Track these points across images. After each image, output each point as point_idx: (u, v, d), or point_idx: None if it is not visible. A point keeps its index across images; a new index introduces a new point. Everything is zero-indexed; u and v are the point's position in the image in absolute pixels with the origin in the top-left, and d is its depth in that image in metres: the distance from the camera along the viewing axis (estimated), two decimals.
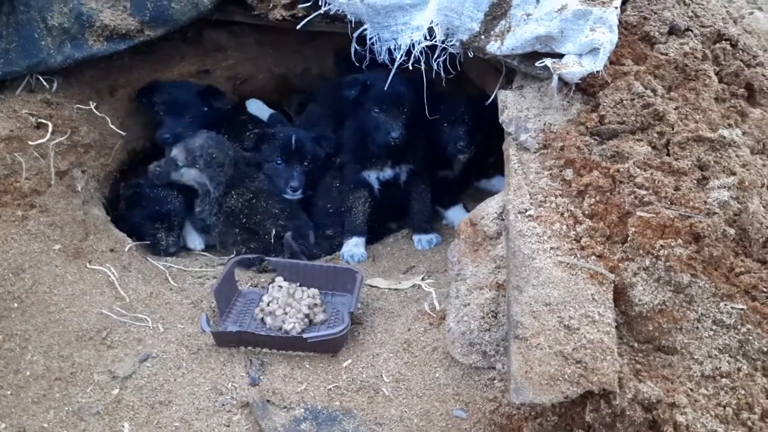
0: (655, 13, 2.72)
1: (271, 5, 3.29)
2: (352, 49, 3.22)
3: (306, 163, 3.71)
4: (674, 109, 2.53)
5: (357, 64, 3.29)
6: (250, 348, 2.65)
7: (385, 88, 3.27)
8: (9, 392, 2.36)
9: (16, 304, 2.63)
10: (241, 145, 3.74)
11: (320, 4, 3.19)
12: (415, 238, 3.74)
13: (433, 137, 3.75)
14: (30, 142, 2.96)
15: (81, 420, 2.28)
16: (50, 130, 3.04)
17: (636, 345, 2.23)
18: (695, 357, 2.15)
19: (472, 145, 3.75)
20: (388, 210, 3.93)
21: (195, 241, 3.71)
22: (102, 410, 2.31)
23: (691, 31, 2.74)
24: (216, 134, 3.64)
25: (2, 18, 2.94)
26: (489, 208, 2.66)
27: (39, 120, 3.02)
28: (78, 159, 3.20)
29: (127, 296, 2.85)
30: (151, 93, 3.69)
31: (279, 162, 3.68)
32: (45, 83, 3.11)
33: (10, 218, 2.82)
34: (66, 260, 2.88)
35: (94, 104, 3.32)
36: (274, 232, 3.47)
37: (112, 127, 3.42)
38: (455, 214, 3.93)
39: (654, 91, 2.54)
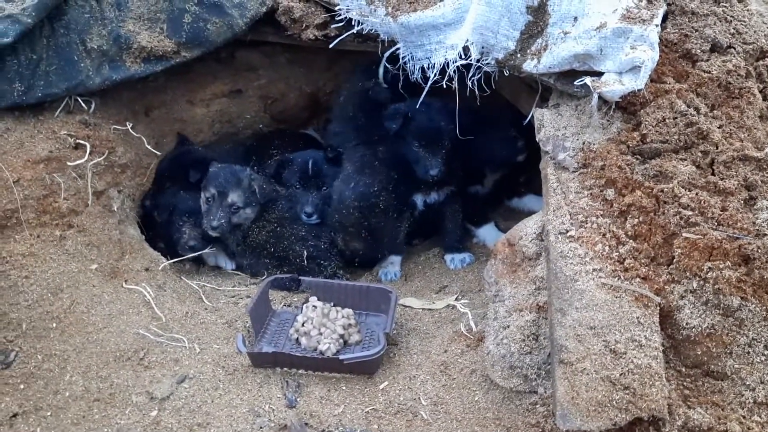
0: (696, 31, 2.68)
1: (303, 26, 3.31)
2: (381, 69, 3.24)
3: (324, 187, 3.70)
4: (718, 128, 2.48)
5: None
6: (285, 369, 2.63)
7: (426, 121, 3.32)
8: (49, 413, 2.37)
9: (54, 324, 2.64)
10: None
11: (353, 24, 3.20)
12: (448, 257, 3.70)
13: (470, 151, 3.73)
14: (69, 163, 2.99)
15: None
16: (88, 150, 3.07)
17: (683, 370, 2.18)
18: (747, 383, 2.09)
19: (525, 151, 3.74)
20: (418, 228, 3.90)
21: (225, 262, 3.72)
22: None
23: (734, 48, 2.69)
24: (233, 166, 3.62)
25: (43, 41, 2.98)
26: (527, 228, 2.63)
27: (77, 141, 3.05)
28: (114, 179, 3.23)
29: (163, 316, 2.86)
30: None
31: (297, 187, 3.67)
32: (83, 104, 3.14)
33: (48, 238, 2.85)
34: (103, 280, 2.90)
35: (131, 125, 3.35)
36: (306, 254, 3.46)
37: (148, 147, 3.45)
38: (487, 233, 3.90)
39: (697, 109, 2.49)
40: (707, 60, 2.65)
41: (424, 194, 3.69)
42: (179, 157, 3.74)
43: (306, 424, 2.37)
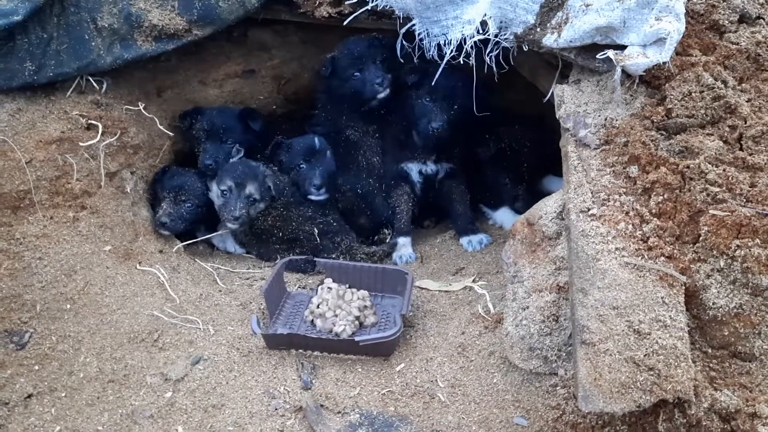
0: (724, 1, 2.59)
1: (317, 3, 3.25)
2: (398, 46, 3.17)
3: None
4: (746, 102, 2.39)
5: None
6: (300, 351, 2.60)
7: (443, 78, 3.23)
8: (63, 394, 2.36)
9: (68, 306, 2.63)
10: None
11: (368, 0, 3.13)
12: (464, 239, 3.65)
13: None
14: (81, 144, 2.96)
15: (135, 423, 2.26)
16: (100, 131, 3.03)
17: (710, 351, 2.11)
18: None
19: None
20: (425, 208, 3.90)
21: (234, 247, 3.68)
22: (155, 413, 2.29)
23: (763, 18, 2.60)
24: (248, 160, 3.59)
25: (53, 19, 2.94)
26: (547, 207, 2.56)
27: (89, 121, 3.02)
28: (127, 160, 3.20)
29: (177, 298, 2.84)
30: (193, 118, 3.67)
31: (302, 165, 3.63)
32: (95, 84, 3.11)
33: (61, 219, 2.83)
34: (117, 261, 2.88)
35: (143, 105, 3.31)
36: (317, 231, 3.43)
37: (161, 127, 3.41)
38: (503, 215, 3.85)
39: (724, 82, 2.41)
40: (735, 31, 2.56)
41: (421, 163, 3.70)
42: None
43: (321, 405, 2.34)
